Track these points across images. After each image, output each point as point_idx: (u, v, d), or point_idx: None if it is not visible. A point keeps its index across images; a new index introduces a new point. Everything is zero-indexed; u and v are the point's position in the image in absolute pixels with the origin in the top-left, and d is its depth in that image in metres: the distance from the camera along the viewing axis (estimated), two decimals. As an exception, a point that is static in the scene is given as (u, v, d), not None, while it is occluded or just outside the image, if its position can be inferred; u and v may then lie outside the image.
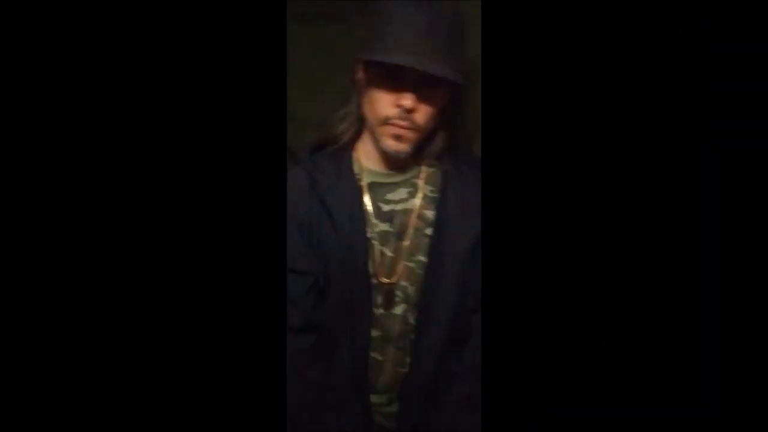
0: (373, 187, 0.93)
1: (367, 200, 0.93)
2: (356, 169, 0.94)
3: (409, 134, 0.87)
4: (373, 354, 0.92)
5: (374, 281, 0.91)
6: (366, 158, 0.94)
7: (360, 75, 0.89)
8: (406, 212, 0.92)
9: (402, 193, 0.93)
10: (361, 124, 0.93)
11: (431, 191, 0.94)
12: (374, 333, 0.91)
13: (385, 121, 0.87)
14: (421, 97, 0.85)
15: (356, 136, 0.95)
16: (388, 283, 0.91)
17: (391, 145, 0.88)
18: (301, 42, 1.33)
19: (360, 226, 0.90)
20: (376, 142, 0.90)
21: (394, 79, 0.85)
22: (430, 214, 0.93)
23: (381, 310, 0.91)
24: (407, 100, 0.84)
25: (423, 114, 0.86)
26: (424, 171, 0.94)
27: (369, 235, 0.91)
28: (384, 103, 0.86)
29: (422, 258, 0.91)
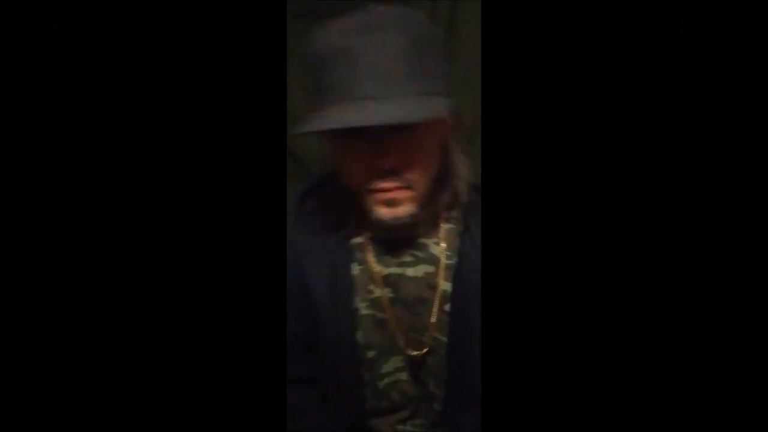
0: (369, 245, 0.77)
1: (359, 261, 0.76)
2: (352, 218, 0.77)
3: (404, 194, 0.70)
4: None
5: (376, 354, 0.77)
6: (365, 225, 0.76)
7: (326, 145, 0.73)
8: (410, 279, 0.76)
9: (407, 255, 0.77)
10: (350, 199, 0.74)
11: (447, 256, 0.76)
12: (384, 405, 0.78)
13: (369, 191, 0.70)
14: (399, 148, 0.67)
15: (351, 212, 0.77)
16: (418, 355, 0.76)
17: (384, 213, 0.70)
18: (301, 42, 1.33)
19: (344, 292, 0.75)
20: (367, 213, 0.72)
21: (351, 143, 0.68)
22: (446, 286, 0.76)
23: (404, 380, 0.77)
24: (383, 161, 0.67)
25: (413, 167, 0.69)
26: (438, 228, 0.77)
27: (359, 303, 0.76)
28: (357, 172, 0.70)
29: (440, 336, 0.76)
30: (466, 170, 0.76)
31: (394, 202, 0.70)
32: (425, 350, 0.76)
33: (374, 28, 0.66)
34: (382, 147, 0.67)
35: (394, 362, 0.77)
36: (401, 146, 0.68)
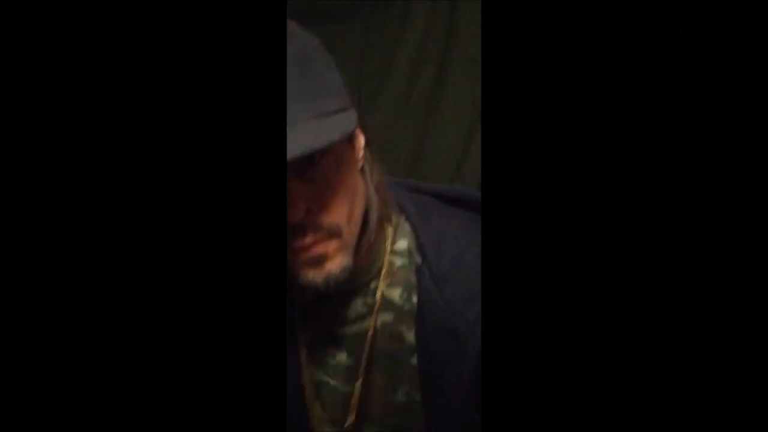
0: (317, 304, 0.65)
1: (307, 328, 0.65)
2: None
3: (331, 245, 0.59)
4: None
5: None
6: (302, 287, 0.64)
7: None
8: (376, 334, 0.64)
9: (358, 305, 0.65)
10: None
11: (402, 297, 0.64)
12: None
13: (293, 252, 0.59)
14: (310, 188, 0.58)
15: None
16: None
17: (312, 275, 0.60)
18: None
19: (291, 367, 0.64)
20: (296, 279, 0.61)
21: None
22: (409, 336, 0.64)
23: None
24: (292, 211, 0.57)
25: (331, 209, 0.59)
26: (390, 263, 0.64)
27: (304, 382, 0.64)
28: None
29: (415, 395, 0.64)
30: (384, 193, 0.64)
31: (320, 260, 0.60)
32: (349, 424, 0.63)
33: None
34: (291, 186, 0.57)
35: None
36: (305, 189, 0.58)
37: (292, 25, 0.62)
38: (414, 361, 0.62)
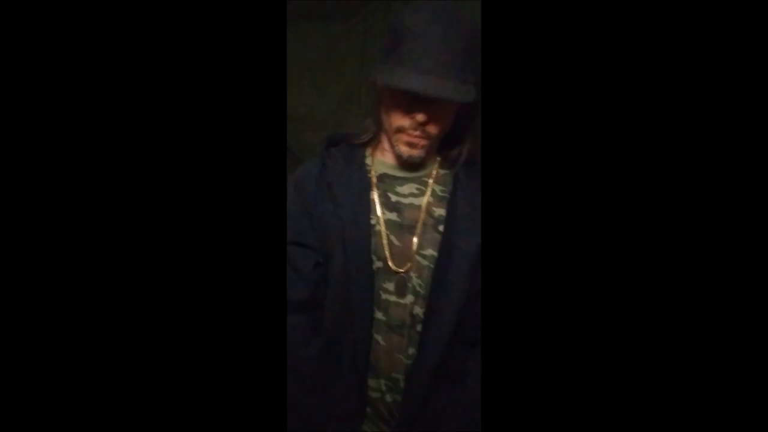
0: (383, 179, 0.98)
1: (374, 190, 0.97)
2: (368, 161, 1.00)
3: (422, 142, 0.93)
4: (376, 336, 0.93)
5: (384, 266, 0.94)
6: (381, 154, 1.00)
7: (377, 87, 0.94)
8: (414, 207, 0.97)
9: (411, 188, 0.98)
10: (379, 128, 0.98)
11: (441, 191, 0.98)
12: (379, 316, 0.93)
13: (399, 130, 0.93)
14: (434, 111, 0.90)
15: (374, 137, 1.00)
16: (400, 272, 0.94)
17: (404, 150, 0.94)
18: (301, 42, 1.33)
19: (364, 212, 0.95)
20: (392, 146, 0.96)
21: (407, 96, 0.89)
22: (440, 211, 0.97)
23: (392, 297, 0.94)
24: (419, 115, 0.89)
25: (436, 125, 0.92)
26: (436, 171, 0.99)
27: (373, 221, 0.95)
28: (398, 115, 0.92)
29: (432, 252, 0.94)
30: (471, 143, 1.00)
31: (414, 145, 0.94)
32: (408, 267, 0.95)
33: (442, 20, 0.87)
34: (422, 107, 0.90)
35: (385, 282, 0.95)
36: (434, 111, 0.91)
37: (471, 16, 0.91)
38: (441, 228, 0.96)
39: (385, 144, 0.99)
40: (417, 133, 0.92)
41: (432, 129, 0.92)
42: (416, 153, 0.94)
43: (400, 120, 0.92)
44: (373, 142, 1.00)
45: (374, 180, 0.98)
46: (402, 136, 0.93)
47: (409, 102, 0.90)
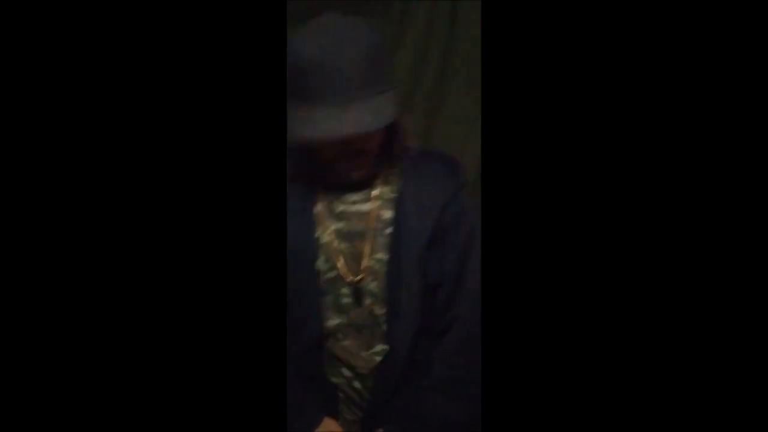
0: (329, 189, 0.96)
1: (320, 202, 0.96)
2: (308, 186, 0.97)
3: (364, 161, 0.90)
4: (343, 343, 0.95)
5: (337, 275, 0.94)
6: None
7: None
8: (361, 214, 0.96)
9: (357, 195, 0.96)
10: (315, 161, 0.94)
11: (390, 192, 0.97)
12: (341, 321, 0.95)
13: (333, 160, 0.89)
14: (361, 139, 0.86)
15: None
16: (355, 281, 0.95)
17: (354, 176, 0.92)
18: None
19: (307, 225, 0.95)
20: (334, 171, 0.92)
21: (334, 145, 0.86)
22: (388, 214, 0.96)
23: (351, 300, 0.95)
24: (345, 161, 0.87)
25: (370, 144, 0.88)
26: (382, 174, 0.97)
27: (317, 234, 0.95)
28: (327, 150, 0.88)
29: (383, 255, 0.95)
30: (410, 142, 0.98)
31: (359, 166, 0.91)
32: (361, 276, 0.95)
33: (336, 38, 0.83)
34: (346, 154, 0.87)
35: (342, 288, 0.96)
36: (361, 146, 0.88)
37: (366, 22, 0.87)
38: (388, 231, 0.95)
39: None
40: (355, 159, 0.89)
41: (368, 148, 0.89)
42: (364, 173, 0.92)
43: (329, 154, 0.88)
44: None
45: (319, 191, 0.96)
46: (341, 165, 0.90)
47: (333, 153, 0.87)
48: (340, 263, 0.95)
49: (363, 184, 0.96)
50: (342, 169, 0.91)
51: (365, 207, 0.96)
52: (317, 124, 0.82)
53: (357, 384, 0.97)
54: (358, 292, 0.95)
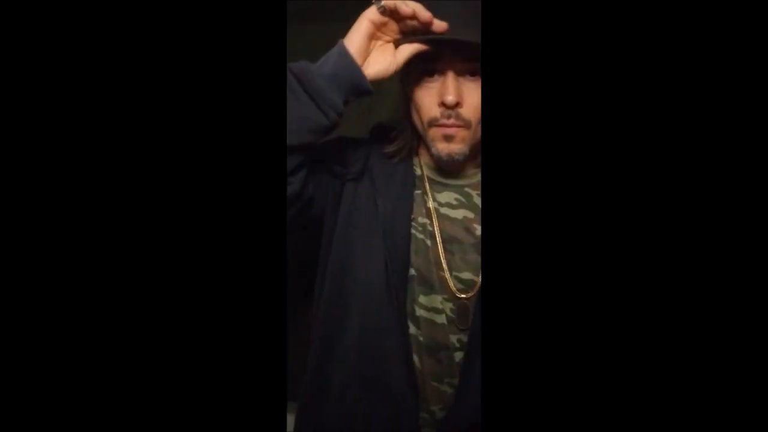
0: (424, 179, 0.89)
1: (417, 188, 0.89)
2: (414, 160, 0.91)
3: (461, 133, 0.83)
4: (413, 357, 0.84)
5: (417, 276, 0.85)
6: (422, 157, 0.91)
7: (403, 81, 0.87)
8: (450, 219, 0.88)
9: (449, 197, 0.89)
10: (415, 137, 0.90)
11: (477, 197, 0.88)
12: (415, 332, 0.85)
13: (432, 124, 0.84)
14: (464, 89, 0.82)
15: (413, 148, 0.91)
16: (462, 298, 0.84)
17: (442, 149, 0.84)
18: (301, 42, 1.33)
19: (405, 209, 0.86)
20: (429, 149, 0.87)
21: (434, 71, 0.82)
22: (480, 229, 0.86)
23: (427, 314, 0.85)
24: (449, 95, 0.80)
25: (470, 108, 0.82)
26: (474, 170, 0.89)
27: (412, 218, 0.86)
28: (427, 106, 0.83)
29: (472, 277, 0.85)
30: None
31: (450, 138, 0.83)
32: (473, 293, 0.84)
33: None
34: (452, 81, 0.81)
35: (433, 300, 0.85)
36: (465, 85, 0.82)
37: None
38: (477, 252, 0.85)
39: (425, 153, 0.90)
40: (451, 121, 0.82)
41: (467, 113, 0.82)
42: (457, 149, 0.83)
43: (430, 111, 0.83)
44: (414, 152, 0.91)
45: (420, 179, 0.89)
46: (436, 130, 0.83)
47: (431, 86, 0.82)
48: (432, 270, 0.83)
49: (456, 175, 0.87)
50: (439, 140, 0.83)
51: (455, 213, 0.87)
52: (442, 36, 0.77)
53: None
54: (463, 314, 0.83)
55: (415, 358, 0.84)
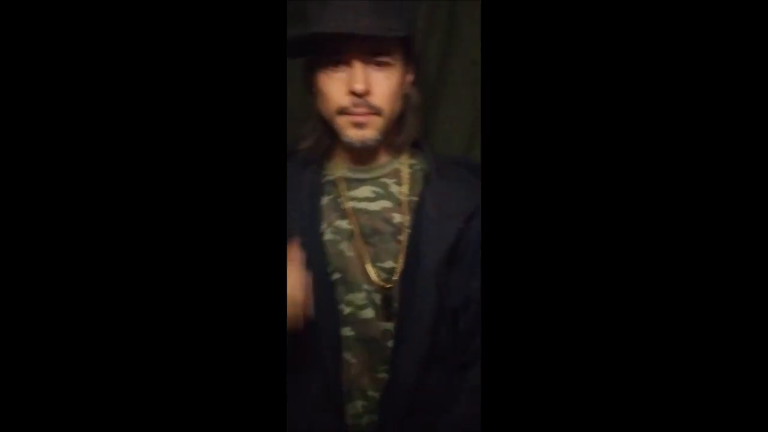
0: (337, 183, 0.89)
1: (325, 195, 0.88)
2: (326, 166, 0.90)
3: (371, 119, 0.83)
4: (345, 355, 0.86)
5: (341, 278, 0.85)
6: (339, 156, 0.90)
7: (307, 72, 0.85)
8: (370, 213, 0.88)
9: (366, 191, 0.89)
10: (328, 134, 0.87)
11: (404, 193, 0.88)
12: (346, 332, 0.86)
13: (341, 112, 0.83)
14: (373, 77, 0.82)
15: (327, 149, 0.90)
16: (386, 287, 0.85)
17: (353, 135, 0.83)
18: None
19: (313, 221, 0.86)
20: (341, 139, 0.85)
21: (340, 62, 0.81)
22: (400, 218, 0.87)
23: (356, 311, 0.86)
24: (358, 83, 0.80)
25: (380, 95, 0.82)
26: (401, 171, 0.89)
27: (322, 230, 0.86)
28: (335, 94, 0.82)
29: (392, 264, 0.86)
30: (417, 122, 0.89)
31: (362, 125, 0.83)
32: (396, 279, 0.85)
33: None
34: (359, 70, 0.80)
35: (358, 296, 0.86)
36: (373, 73, 0.81)
37: None
38: (400, 238, 0.86)
39: (340, 146, 0.88)
40: (361, 109, 0.81)
41: (377, 100, 0.81)
42: (368, 134, 0.83)
43: (338, 99, 0.82)
44: (330, 150, 0.90)
45: (327, 184, 0.88)
46: (345, 118, 0.82)
47: (344, 70, 0.80)
48: (344, 265, 0.85)
49: (372, 168, 0.87)
50: (349, 127, 0.82)
51: (373, 205, 0.88)
52: (327, 19, 0.77)
53: (366, 419, 0.86)
54: (386, 303, 0.84)
55: (349, 355, 0.86)
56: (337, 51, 0.81)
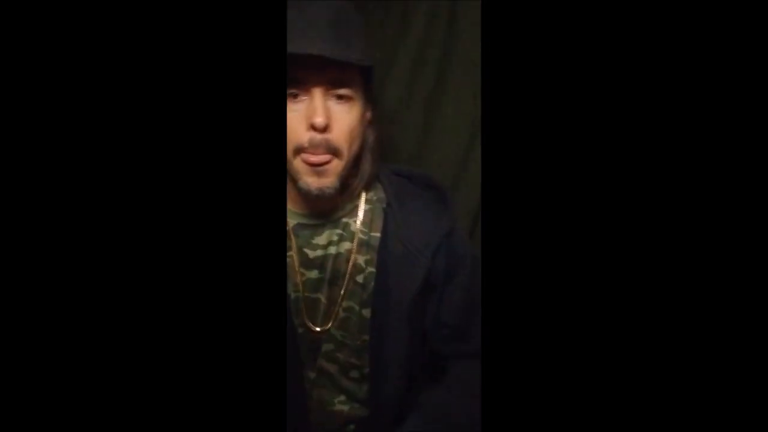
0: (297, 232, 0.85)
1: (291, 249, 0.85)
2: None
3: (330, 165, 0.78)
4: (318, 390, 0.89)
5: (304, 330, 0.86)
6: (292, 203, 0.85)
7: None
8: (335, 257, 0.86)
9: (330, 235, 0.86)
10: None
11: (362, 233, 0.86)
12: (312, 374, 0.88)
13: (298, 151, 0.78)
14: (333, 110, 0.77)
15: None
16: (316, 331, 0.85)
17: (311, 182, 0.79)
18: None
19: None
20: (295, 184, 0.81)
21: (298, 94, 0.77)
22: (361, 259, 0.85)
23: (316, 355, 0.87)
24: (318, 116, 0.75)
25: (339, 132, 0.78)
26: (358, 209, 0.87)
27: (294, 284, 0.84)
28: (292, 130, 0.77)
29: (352, 304, 0.86)
30: (374, 164, 0.86)
31: (320, 172, 0.78)
32: (328, 326, 0.85)
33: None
34: (315, 105, 0.76)
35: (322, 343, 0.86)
36: (332, 109, 0.77)
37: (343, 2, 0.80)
38: (360, 279, 0.84)
39: (292, 189, 0.83)
40: (320, 149, 0.76)
41: (336, 139, 0.77)
42: (327, 182, 0.78)
43: (295, 137, 0.76)
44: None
45: (288, 235, 0.84)
46: (303, 162, 0.77)
47: (298, 106, 0.76)
48: (307, 315, 0.85)
49: (330, 211, 0.84)
50: (307, 172, 0.78)
51: (338, 249, 0.85)
52: (299, 43, 0.72)
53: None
54: (313, 347, 0.86)
55: (324, 363, 0.88)
56: (298, 80, 0.76)
